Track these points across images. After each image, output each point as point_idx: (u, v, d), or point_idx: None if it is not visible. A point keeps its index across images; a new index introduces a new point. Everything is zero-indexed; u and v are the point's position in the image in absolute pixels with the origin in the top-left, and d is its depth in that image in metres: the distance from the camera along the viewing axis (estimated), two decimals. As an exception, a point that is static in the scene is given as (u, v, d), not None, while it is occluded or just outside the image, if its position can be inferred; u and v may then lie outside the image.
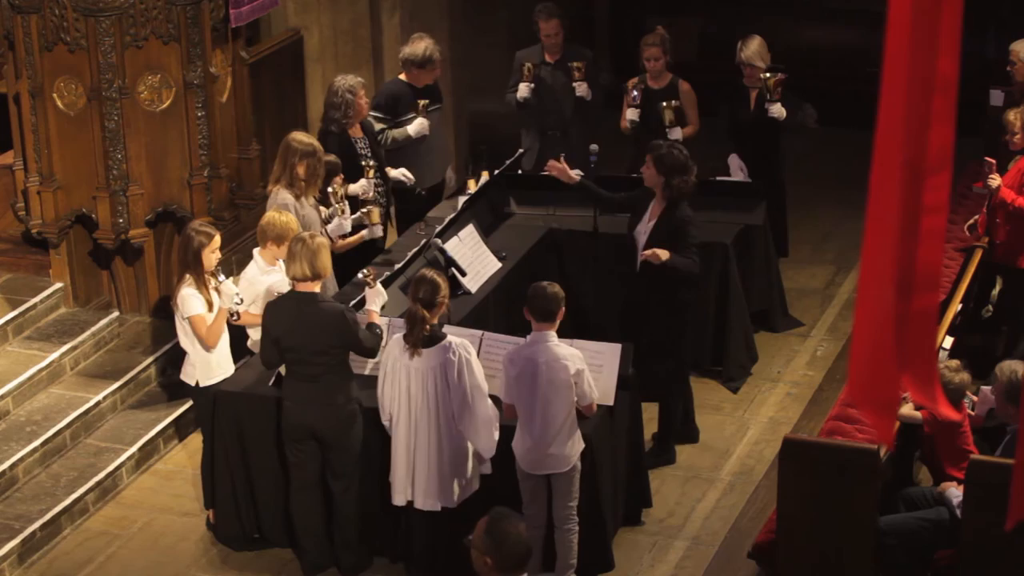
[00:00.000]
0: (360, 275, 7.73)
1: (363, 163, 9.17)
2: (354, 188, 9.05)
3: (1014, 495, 3.15)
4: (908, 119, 2.55)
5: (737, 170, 9.80)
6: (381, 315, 7.62)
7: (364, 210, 8.85)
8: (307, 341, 7.20)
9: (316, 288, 7.31)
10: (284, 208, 8.18)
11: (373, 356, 7.45)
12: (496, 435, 7.05)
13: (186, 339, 7.77)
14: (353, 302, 7.88)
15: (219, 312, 7.66)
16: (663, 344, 8.21)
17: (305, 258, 7.21)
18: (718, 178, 9.66)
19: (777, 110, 9.63)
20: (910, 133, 2.56)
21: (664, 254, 7.92)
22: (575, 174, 8.70)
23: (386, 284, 8.40)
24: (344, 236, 8.72)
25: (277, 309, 7.34)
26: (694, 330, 8.56)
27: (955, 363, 7.17)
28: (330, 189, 8.69)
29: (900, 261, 2.58)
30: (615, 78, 10.50)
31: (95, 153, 8.83)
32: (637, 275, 8.21)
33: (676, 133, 9.62)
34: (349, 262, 8.71)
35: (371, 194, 9.05)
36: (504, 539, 4.72)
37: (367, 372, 7.62)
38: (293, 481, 7.53)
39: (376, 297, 7.54)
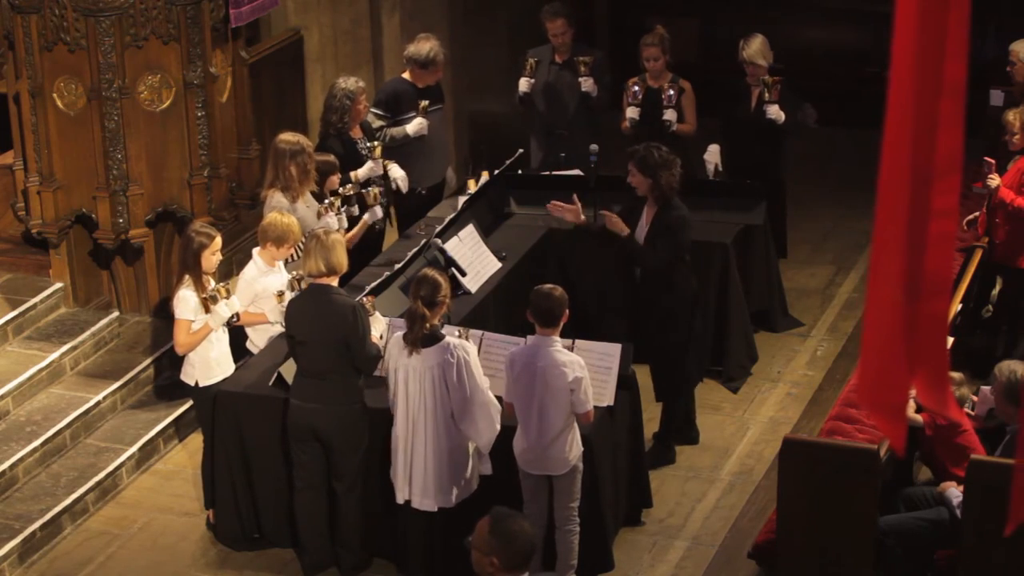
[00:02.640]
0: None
1: (367, 147, 9.19)
2: (362, 172, 9.08)
3: (1015, 498, 3.14)
4: (916, 123, 2.55)
5: (712, 163, 9.80)
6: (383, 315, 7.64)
7: (364, 190, 8.83)
8: (316, 334, 7.21)
9: (333, 283, 7.32)
10: (280, 210, 8.18)
11: (368, 371, 7.37)
12: (497, 427, 7.03)
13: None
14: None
15: (203, 327, 7.65)
16: (667, 344, 8.21)
17: (320, 254, 7.22)
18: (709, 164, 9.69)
19: (775, 111, 9.63)
20: (918, 137, 2.56)
21: (620, 225, 8.06)
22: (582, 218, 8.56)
23: (386, 284, 8.41)
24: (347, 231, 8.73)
25: (294, 305, 7.37)
26: (699, 331, 8.55)
27: (959, 376, 7.15)
28: (339, 191, 8.69)
29: (909, 266, 2.58)
30: (615, 78, 10.48)
31: (95, 153, 8.83)
32: (638, 282, 8.24)
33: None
34: (351, 261, 8.69)
35: (380, 172, 9.13)
36: (511, 538, 4.69)
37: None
38: (297, 480, 7.53)
39: (375, 323, 7.52)
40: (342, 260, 7.33)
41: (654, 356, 8.39)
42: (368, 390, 7.38)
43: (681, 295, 8.17)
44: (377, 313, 7.56)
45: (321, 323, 7.20)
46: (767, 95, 9.64)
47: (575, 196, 8.62)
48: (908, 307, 2.59)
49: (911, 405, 7.02)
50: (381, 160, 9.20)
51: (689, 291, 8.23)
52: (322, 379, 7.26)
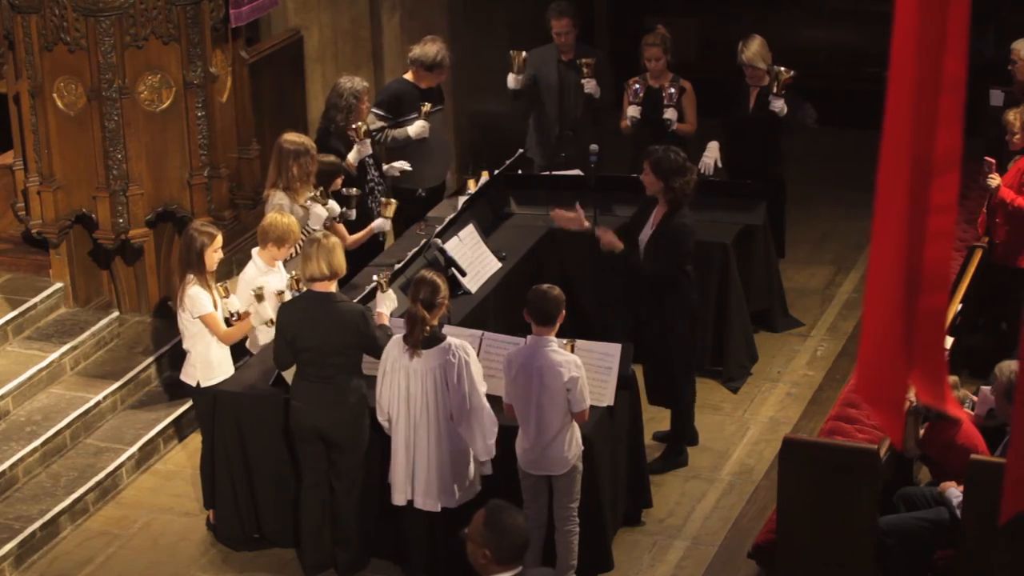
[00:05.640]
0: (374, 278, 7.80)
1: (352, 128, 9.17)
2: (352, 156, 9.12)
3: (1007, 490, 3.16)
4: (915, 119, 2.55)
5: (711, 158, 9.76)
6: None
7: (384, 199, 8.98)
8: (324, 341, 7.20)
9: (332, 287, 7.32)
10: (281, 209, 8.18)
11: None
12: (494, 439, 7.04)
13: (189, 339, 7.77)
14: (357, 300, 7.88)
15: (243, 319, 7.70)
16: (668, 346, 8.19)
17: (322, 257, 7.22)
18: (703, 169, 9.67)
19: (779, 105, 9.61)
20: (918, 133, 2.56)
21: (615, 242, 8.02)
22: (586, 222, 8.47)
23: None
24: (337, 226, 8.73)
25: (292, 309, 7.35)
26: (699, 332, 8.54)
27: (953, 379, 7.15)
28: (342, 191, 8.72)
29: (908, 261, 2.58)
30: (615, 78, 10.47)
31: (95, 153, 8.83)
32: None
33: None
34: (350, 262, 8.68)
35: (363, 156, 9.20)
36: (503, 531, 4.69)
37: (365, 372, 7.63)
38: (304, 479, 7.52)
39: (387, 301, 7.56)
40: (342, 263, 7.35)
41: (652, 368, 8.35)
42: (370, 390, 7.38)
43: (679, 310, 8.11)
44: (391, 290, 7.60)
45: (328, 332, 7.19)
46: (775, 87, 9.59)
47: (578, 204, 8.59)
48: (907, 302, 2.59)
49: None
50: (368, 141, 9.20)
51: (687, 305, 8.15)
52: (327, 382, 7.26)
